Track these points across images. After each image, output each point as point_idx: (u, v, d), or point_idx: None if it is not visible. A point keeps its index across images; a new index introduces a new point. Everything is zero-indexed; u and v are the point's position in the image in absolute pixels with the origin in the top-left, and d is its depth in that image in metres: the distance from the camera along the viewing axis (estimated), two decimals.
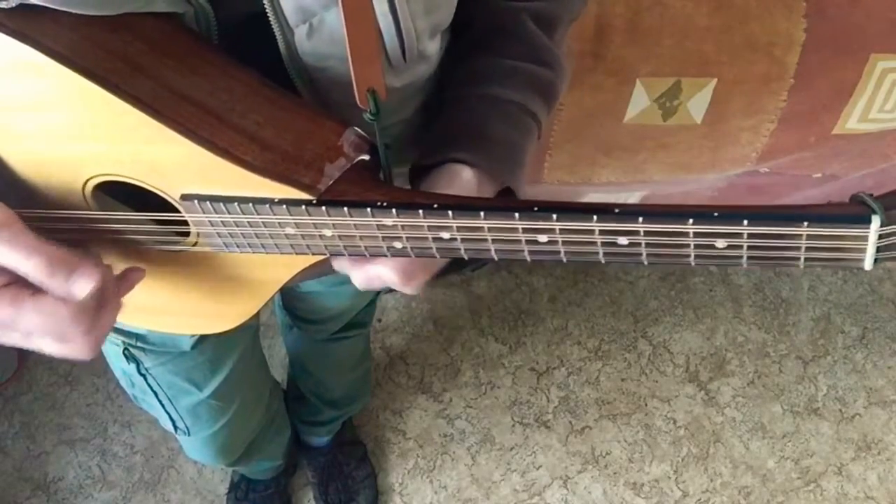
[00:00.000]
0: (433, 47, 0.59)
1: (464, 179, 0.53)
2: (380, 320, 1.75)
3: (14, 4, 0.42)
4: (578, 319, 1.75)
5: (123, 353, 0.84)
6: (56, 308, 0.44)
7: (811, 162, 1.18)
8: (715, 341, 1.72)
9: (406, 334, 1.75)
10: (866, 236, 0.36)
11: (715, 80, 1.03)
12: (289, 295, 1.16)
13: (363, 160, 0.48)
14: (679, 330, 1.73)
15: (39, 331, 0.45)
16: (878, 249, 0.37)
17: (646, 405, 1.65)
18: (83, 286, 0.44)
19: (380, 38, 0.50)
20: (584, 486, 1.57)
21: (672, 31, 0.97)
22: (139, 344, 0.83)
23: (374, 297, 1.14)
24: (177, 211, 0.50)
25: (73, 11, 0.43)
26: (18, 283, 0.44)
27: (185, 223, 0.51)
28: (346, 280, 0.96)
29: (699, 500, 1.55)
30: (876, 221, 0.36)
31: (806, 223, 0.37)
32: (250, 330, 1.02)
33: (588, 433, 1.62)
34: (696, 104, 1.05)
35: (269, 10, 0.48)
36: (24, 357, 1.69)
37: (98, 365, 1.65)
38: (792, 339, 1.73)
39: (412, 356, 1.72)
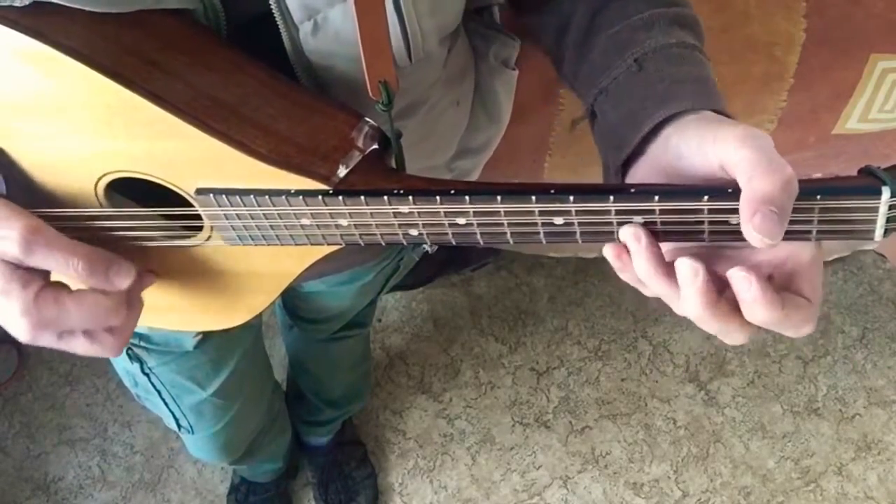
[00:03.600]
0: (439, 49, 0.59)
1: (703, 120, 0.45)
2: (380, 320, 1.75)
3: (28, 2, 0.42)
4: (578, 319, 1.76)
5: (127, 352, 0.84)
6: (97, 301, 0.46)
7: (811, 162, 1.18)
8: (715, 341, 1.73)
9: (406, 334, 1.75)
10: (877, 207, 0.37)
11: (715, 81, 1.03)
12: (289, 295, 1.16)
13: (376, 150, 0.49)
14: (679, 330, 1.73)
15: (80, 326, 0.47)
16: (889, 220, 0.37)
17: (646, 405, 1.65)
18: (122, 279, 0.47)
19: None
20: (584, 486, 1.57)
21: None
22: (142, 343, 0.83)
23: (374, 297, 1.14)
24: (190, 206, 0.50)
25: (86, 9, 0.43)
26: (55, 284, 0.46)
27: (198, 218, 0.51)
28: (347, 280, 0.97)
29: (699, 500, 1.55)
30: (886, 192, 0.36)
31: (819, 196, 0.37)
32: (253, 329, 1.03)
33: (588, 433, 1.62)
34: None
35: (273, 6, 0.48)
36: (24, 357, 1.69)
37: (98, 365, 1.65)
38: (792, 339, 1.73)
39: (412, 356, 1.72)
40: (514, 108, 0.85)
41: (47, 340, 0.47)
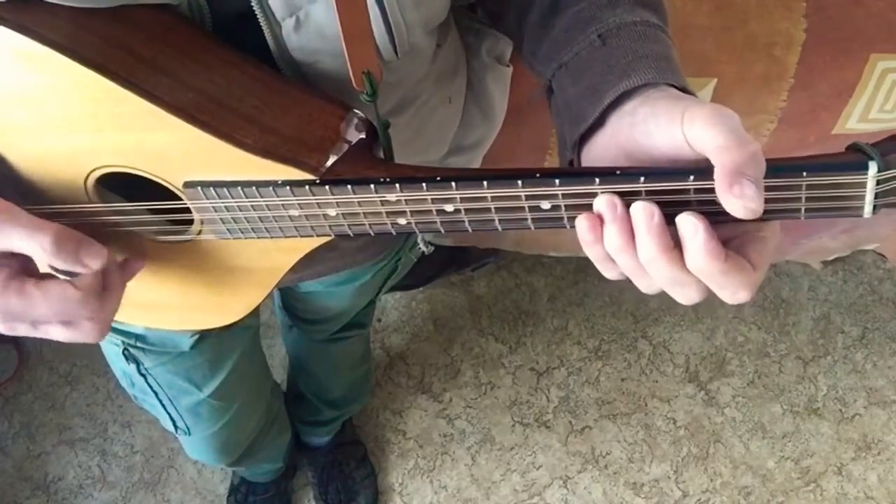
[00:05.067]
0: (427, 42, 0.59)
1: (661, 96, 0.45)
2: (380, 320, 1.75)
3: None
4: (578, 319, 1.75)
5: (123, 353, 0.84)
6: (64, 292, 0.45)
7: None
8: (715, 341, 1.73)
9: (406, 334, 1.75)
10: (864, 182, 0.37)
11: (715, 80, 1.03)
12: (288, 295, 1.16)
13: (363, 140, 0.49)
14: (679, 330, 1.73)
15: (49, 317, 0.46)
16: (877, 195, 0.37)
17: (646, 405, 1.65)
18: (92, 259, 0.45)
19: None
20: (584, 486, 1.57)
21: (672, 31, 0.97)
22: (139, 344, 0.83)
23: (373, 298, 1.14)
24: (180, 200, 0.50)
25: (69, 4, 0.43)
26: (22, 274, 0.45)
27: (188, 212, 0.51)
28: (345, 280, 0.97)
29: (699, 500, 1.55)
30: (873, 167, 0.36)
31: (805, 173, 0.37)
32: (250, 330, 1.02)
33: (588, 433, 1.62)
34: None
35: (255, 3, 0.48)
36: (24, 357, 1.69)
37: (98, 365, 1.65)
38: (792, 339, 1.73)
39: (412, 356, 1.72)
40: (513, 108, 0.85)
41: (22, 330, 0.47)
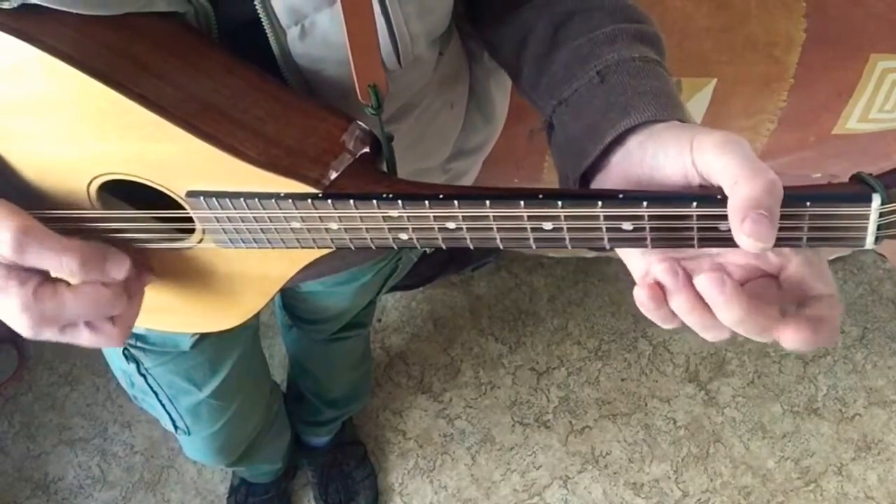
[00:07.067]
0: (430, 53, 0.59)
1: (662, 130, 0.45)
2: (380, 320, 1.75)
3: (16, 4, 0.42)
4: (578, 319, 1.75)
5: (123, 353, 0.84)
6: (96, 292, 0.47)
7: (811, 162, 1.18)
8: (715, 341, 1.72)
9: (406, 334, 1.75)
10: (867, 214, 0.37)
11: (715, 80, 1.03)
12: (288, 295, 1.16)
13: (366, 153, 0.49)
14: (679, 330, 1.71)
15: (80, 317, 0.47)
16: (879, 227, 0.37)
17: (646, 405, 1.65)
18: (119, 269, 0.47)
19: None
20: (584, 486, 1.57)
21: (672, 31, 0.98)
22: (139, 344, 0.83)
23: (373, 298, 1.14)
24: (182, 208, 0.50)
25: (75, 11, 0.43)
26: (50, 278, 0.46)
27: (190, 220, 0.51)
28: (345, 280, 0.97)
29: (699, 500, 1.55)
30: (877, 199, 0.36)
31: (808, 203, 0.37)
32: (250, 330, 1.02)
33: (588, 433, 1.62)
34: (696, 104, 1.05)
35: (260, 11, 0.48)
36: (24, 357, 1.70)
37: (98, 365, 1.65)
38: None
39: (412, 356, 1.72)
40: (513, 108, 0.85)
41: (50, 334, 0.47)
